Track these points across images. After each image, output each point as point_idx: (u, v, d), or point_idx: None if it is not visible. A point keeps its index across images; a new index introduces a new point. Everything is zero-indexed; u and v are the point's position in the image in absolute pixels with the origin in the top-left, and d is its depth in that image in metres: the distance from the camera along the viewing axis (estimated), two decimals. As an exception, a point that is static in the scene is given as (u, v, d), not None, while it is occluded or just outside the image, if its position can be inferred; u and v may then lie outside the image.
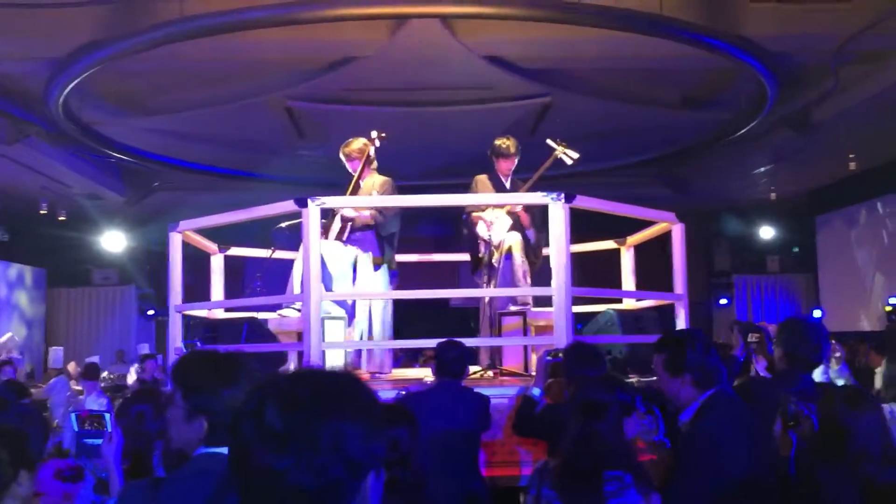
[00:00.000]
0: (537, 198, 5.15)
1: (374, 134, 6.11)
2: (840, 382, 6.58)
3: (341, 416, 1.13)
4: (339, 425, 1.12)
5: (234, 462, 1.15)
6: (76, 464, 3.01)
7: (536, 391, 4.34)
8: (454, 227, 14.20)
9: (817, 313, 14.34)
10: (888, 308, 12.15)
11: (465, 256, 6.52)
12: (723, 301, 16.33)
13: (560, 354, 4.30)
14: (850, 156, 11.60)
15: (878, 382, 7.87)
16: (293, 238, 6.15)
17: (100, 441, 3.12)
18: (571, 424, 3.03)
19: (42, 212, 12.99)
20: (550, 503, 2.90)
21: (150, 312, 16.39)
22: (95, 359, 10.89)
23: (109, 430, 3.12)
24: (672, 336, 3.10)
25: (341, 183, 6.66)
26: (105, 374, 11.60)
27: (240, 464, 1.13)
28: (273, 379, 1.20)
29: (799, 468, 2.91)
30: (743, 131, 10.72)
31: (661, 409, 3.44)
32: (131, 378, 11.08)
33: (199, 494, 1.76)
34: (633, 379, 5.18)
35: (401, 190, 6.31)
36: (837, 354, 6.53)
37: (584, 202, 5.03)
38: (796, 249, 16.25)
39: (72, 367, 10.83)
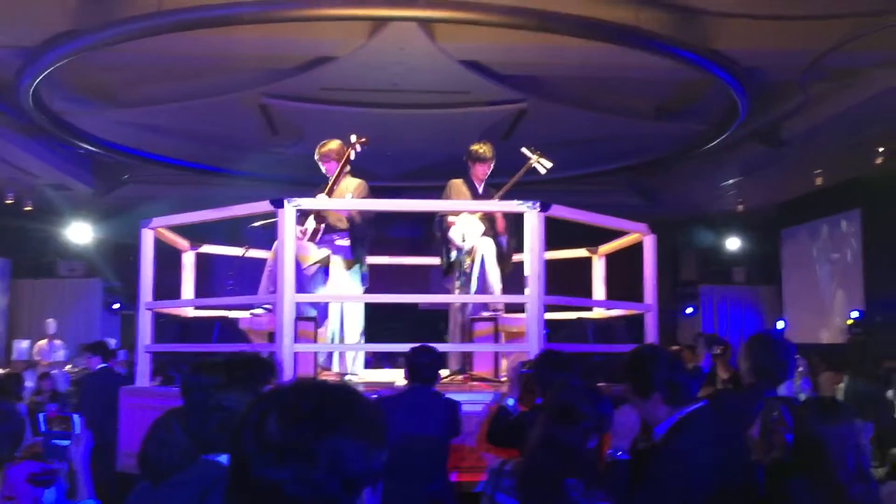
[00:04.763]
0: (513, 206, 5.17)
1: (353, 138, 6.06)
2: (802, 397, 6.65)
3: (342, 432, 1.14)
4: (338, 442, 1.13)
5: (233, 471, 1.17)
6: (50, 468, 2.95)
7: (510, 402, 4.34)
8: (425, 230, 14.23)
9: (780, 324, 14.56)
10: (850, 321, 12.36)
11: (436, 260, 6.51)
12: (688, 310, 16.50)
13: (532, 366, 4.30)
14: (817, 171, 11.79)
15: (840, 398, 7.98)
16: (266, 237, 6.11)
17: (67, 442, 3.05)
18: (538, 425, 2.96)
19: (8, 201, 12.80)
20: None
21: (116, 306, 16.16)
22: None
23: (77, 431, 3.05)
24: (633, 357, 2.92)
25: (314, 181, 6.62)
26: (69, 366, 11.47)
27: (239, 473, 1.15)
28: (276, 390, 1.21)
29: (769, 480, 2.91)
30: (714, 143, 10.86)
31: None
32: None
33: (190, 499, 1.77)
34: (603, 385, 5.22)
35: (373, 191, 6.30)
36: (801, 369, 6.61)
37: (560, 211, 5.07)
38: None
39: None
